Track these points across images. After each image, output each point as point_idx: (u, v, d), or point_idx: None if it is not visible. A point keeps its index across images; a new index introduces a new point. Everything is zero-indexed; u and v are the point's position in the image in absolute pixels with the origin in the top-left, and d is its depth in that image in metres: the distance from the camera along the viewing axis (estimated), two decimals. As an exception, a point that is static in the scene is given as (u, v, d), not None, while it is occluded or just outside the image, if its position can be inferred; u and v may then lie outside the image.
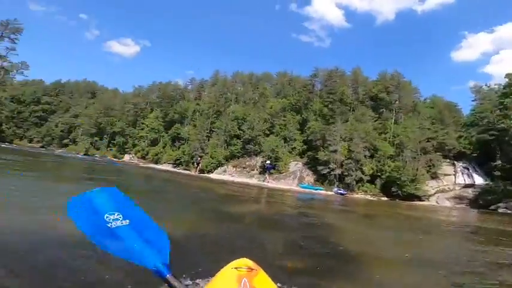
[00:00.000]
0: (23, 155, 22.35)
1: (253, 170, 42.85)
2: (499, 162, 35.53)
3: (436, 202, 31.80)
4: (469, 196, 31.52)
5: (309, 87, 53.04)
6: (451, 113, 44.49)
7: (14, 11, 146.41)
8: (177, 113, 59.02)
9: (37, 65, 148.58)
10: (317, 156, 39.77)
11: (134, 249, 1.05)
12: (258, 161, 43.27)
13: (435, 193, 34.07)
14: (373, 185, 36.88)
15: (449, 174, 37.55)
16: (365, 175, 37.07)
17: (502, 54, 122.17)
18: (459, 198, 31.70)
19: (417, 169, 34.95)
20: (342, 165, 38.02)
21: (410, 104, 46.14)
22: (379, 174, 37.11)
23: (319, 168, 38.91)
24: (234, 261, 1.22)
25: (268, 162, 40.90)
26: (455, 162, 38.85)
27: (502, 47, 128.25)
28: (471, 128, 40.37)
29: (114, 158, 60.82)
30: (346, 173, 37.22)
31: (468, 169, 37.57)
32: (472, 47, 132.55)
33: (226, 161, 45.25)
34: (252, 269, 1.11)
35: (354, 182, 36.66)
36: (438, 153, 37.45)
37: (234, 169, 43.93)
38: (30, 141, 77.86)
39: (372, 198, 33.39)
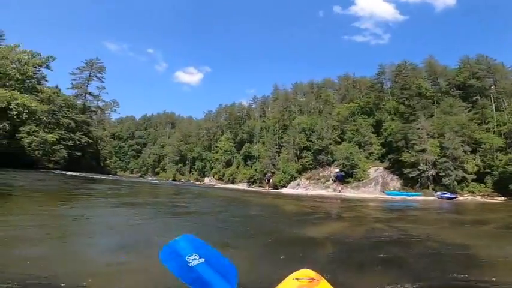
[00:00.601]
0: (127, 183, 24.96)
1: (327, 180, 39.86)
2: None
3: None
4: None
5: (377, 86, 48.07)
6: None
7: (91, 49, 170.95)
8: (245, 132, 60.55)
9: (124, 102, 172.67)
10: (401, 158, 34.68)
11: (210, 282, 1.25)
12: (331, 171, 40.15)
13: None
14: (482, 184, 29.80)
15: None
16: (468, 174, 30.37)
17: None
18: None
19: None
20: (435, 165, 32.11)
21: (510, 88, 36.97)
22: (488, 170, 29.94)
23: (406, 171, 33.67)
24: (295, 272, 1.18)
25: (337, 170, 35.38)
26: None
27: None
28: None
29: (196, 181, 65.44)
30: (442, 174, 31.16)
31: None
32: None
33: (299, 174, 43.41)
34: (314, 279, 1.07)
35: (455, 183, 30.28)
36: None
37: (308, 181, 41.71)
38: (132, 172, 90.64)
39: (485, 200, 26.61)
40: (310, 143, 44.03)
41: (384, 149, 39.39)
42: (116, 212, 7.67)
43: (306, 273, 1.18)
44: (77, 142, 44.00)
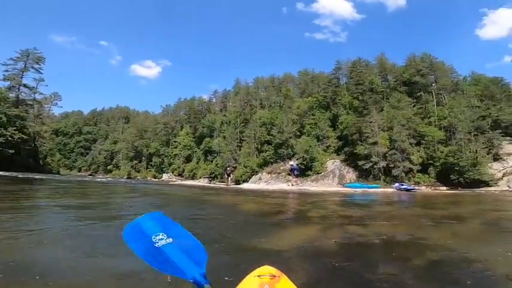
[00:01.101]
0: (64, 182, 21.41)
1: (288, 174, 39.82)
2: None
3: (508, 186, 26.42)
4: (550, 175, 25.78)
5: (334, 82, 49.30)
6: (501, 88, 38.27)
7: (36, 42, 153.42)
8: (205, 127, 58.01)
9: (71, 96, 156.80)
10: (356, 151, 35.86)
11: (177, 264, 1.08)
12: (292, 164, 40.21)
13: (503, 176, 28.54)
14: (426, 175, 32.07)
15: (514, 153, 31.68)
16: (414, 165, 32.45)
17: None
18: (537, 179, 26.06)
19: (476, 151, 29.75)
20: (385, 157, 33.75)
21: (450, 84, 40.60)
22: (431, 162, 32.30)
23: (360, 163, 34.92)
24: (257, 270, 1.18)
25: (292, 163, 33.05)
26: (518, 138, 32.84)
27: None
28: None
29: (154, 178, 61.19)
30: (392, 165, 32.87)
31: (537, 145, 31.46)
32: (497, 23, 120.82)
33: (260, 168, 42.67)
34: (275, 276, 1.09)
35: (403, 174, 32.15)
36: (497, 132, 31.77)
37: (269, 176, 41.19)
38: (79, 170, 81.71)
39: (433, 191, 28.30)
40: (271, 136, 43.49)
41: (340, 142, 40.49)
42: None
43: (267, 270, 1.15)
44: (9, 138, 38.16)
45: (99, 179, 42.34)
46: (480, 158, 29.35)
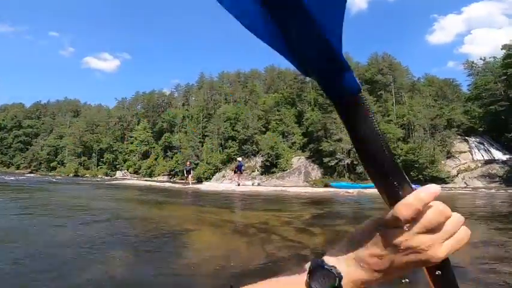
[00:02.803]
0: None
1: (253, 171, 37.09)
2: (515, 133, 31.21)
3: (465, 183, 26.75)
4: (499, 173, 26.58)
5: (300, 78, 47.72)
6: (453, 89, 40.01)
7: None
8: (165, 121, 52.61)
9: (14, 89, 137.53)
10: (321, 147, 34.43)
11: None
12: (257, 161, 37.58)
13: (458, 173, 29.06)
14: (388, 172, 31.64)
15: (465, 152, 32.80)
16: (377, 162, 31.85)
17: (474, 34, 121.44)
18: (488, 177, 26.71)
19: (434, 149, 30.01)
20: (349, 154, 32.74)
21: (407, 84, 41.46)
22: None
23: (325, 160, 33.55)
24: None
25: (239, 159, 24.99)
26: (467, 138, 34.18)
27: (473, 27, 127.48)
28: (476, 101, 36.06)
29: (106, 176, 53.96)
30: (356, 162, 31.91)
31: (483, 144, 32.93)
32: (445, 29, 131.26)
33: (224, 165, 39.32)
34: None
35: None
36: (452, 130, 32.61)
37: (233, 172, 37.97)
38: (18, 167, 69.95)
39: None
40: (236, 132, 40.34)
41: (306, 139, 38.90)
42: None
43: None
44: None
45: (15, 178, 35.07)
46: (437, 156, 29.62)
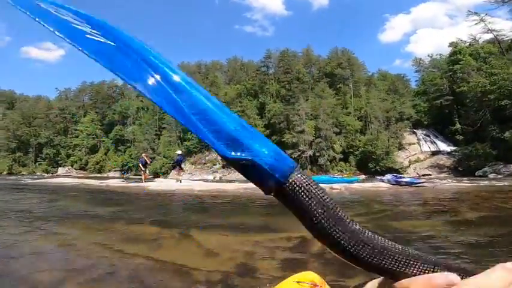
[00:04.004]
0: None
1: (214, 164, 34.61)
2: (458, 126, 33.53)
3: (417, 174, 27.65)
4: (447, 164, 28.02)
5: (263, 70, 46.14)
6: (403, 84, 41.93)
7: None
8: (116, 113, 47.00)
9: None
10: (283, 139, 33.27)
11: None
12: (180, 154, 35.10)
13: (410, 164, 30.13)
14: (348, 163, 31.73)
15: (414, 143, 34.36)
16: (337, 153, 31.72)
17: (418, 33, 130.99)
18: (438, 167, 28.03)
19: (388, 140, 30.72)
20: (311, 146, 32.12)
21: (364, 78, 42.44)
22: (351, 150, 32.11)
23: (288, 152, 32.39)
24: (297, 274, 0.91)
25: (178, 152, 17.68)
26: (415, 130, 35.92)
27: (418, 27, 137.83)
28: (423, 96, 38.11)
29: (46, 173, 46.49)
30: (318, 154, 31.39)
31: (429, 136, 34.83)
32: (394, 29, 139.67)
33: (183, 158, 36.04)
34: (316, 285, 0.84)
35: (328, 162, 31.02)
36: (404, 122, 33.83)
37: (193, 167, 35.12)
38: None
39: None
40: (195, 124, 37.20)
41: (268, 131, 37.42)
42: None
43: (309, 276, 0.87)
44: None
45: None
46: (391, 147, 30.37)
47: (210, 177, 31.79)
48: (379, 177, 15.86)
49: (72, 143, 47.47)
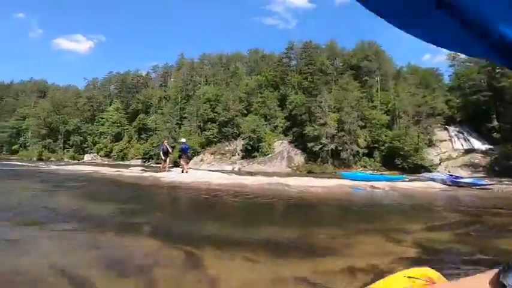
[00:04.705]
0: None
1: (233, 155, 34.11)
2: (496, 123, 30.62)
3: (448, 171, 25.46)
4: (482, 163, 25.59)
5: (285, 61, 44.81)
6: (435, 79, 38.97)
7: None
8: (140, 102, 47.74)
9: None
10: (304, 132, 32.04)
11: None
12: (238, 144, 34.56)
13: (440, 162, 27.90)
14: (372, 158, 29.99)
15: (445, 140, 31.86)
16: (361, 148, 30.06)
17: None
18: (472, 166, 25.66)
19: (418, 136, 28.58)
20: (333, 139, 30.65)
21: (392, 71, 39.91)
22: (376, 145, 30.30)
23: (309, 145, 31.22)
24: (412, 269, 0.85)
25: (183, 140, 13.98)
26: (447, 127, 33.28)
27: None
28: (457, 91, 35.21)
29: (73, 159, 48.34)
30: (340, 148, 29.90)
31: (463, 133, 32.14)
32: None
33: (203, 148, 35.88)
34: (433, 282, 0.75)
35: (351, 157, 29.48)
36: (436, 118, 31.41)
37: (212, 157, 34.81)
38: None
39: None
40: (216, 114, 36.88)
41: (288, 123, 36.36)
42: None
43: (425, 272, 0.80)
44: None
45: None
46: (421, 144, 28.29)
47: (229, 168, 31.29)
48: (427, 176, 13.71)
49: (98, 130, 48.94)
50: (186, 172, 10.68)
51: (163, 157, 11.94)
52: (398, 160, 27.58)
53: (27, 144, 55.25)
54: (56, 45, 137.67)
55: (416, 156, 27.39)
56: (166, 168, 11.61)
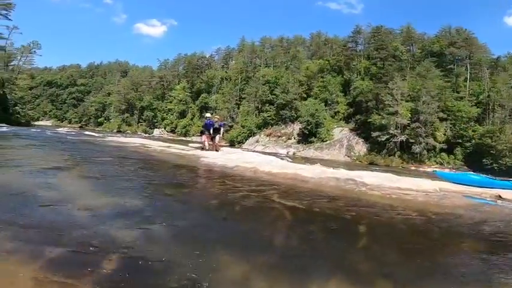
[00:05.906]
0: None
1: (289, 138, 33.13)
2: None
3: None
4: None
5: (351, 45, 40.94)
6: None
7: (36, 3, 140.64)
8: (203, 82, 50.00)
9: (74, 52, 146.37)
10: (370, 120, 28.99)
11: None
12: (295, 128, 33.37)
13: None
14: (452, 155, 25.58)
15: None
16: (439, 142, 25.84)
17: None
18: None
19: (519, 133, 23.10)
20: (404, 130, 27.02)
21: (487, 60, 32.86)
22: (459, 141, 25.66)
23: (374, 134, 28.18)
24: None
25: (208, 115, 12.92)
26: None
27: None
28: None
29: (144, 133, 53.88)
30: (412, 140, 26.21)
31: None
32: None
33: (259, 129, 35.79)
34: None
35: (425, 152, 25.63)
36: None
37: (268, 138, 34.44)
38: (70, 122, 73.78)
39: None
40: (274, 96, 36.10)
41: (351, 109, 33.45)
42: None
43: None
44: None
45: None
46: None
47: (284, 151, 30.51)
48: None
49: (166, 107, 53.21)
50: (206, 149, 8.97)
51: (211, 134, 9.71)
52: (488, 160, 22.85)
53: (110, 117, 63.61)
54: (137, 29, 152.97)
55: (511, 157, 22.28)
56: (212, 147, 9.36)
